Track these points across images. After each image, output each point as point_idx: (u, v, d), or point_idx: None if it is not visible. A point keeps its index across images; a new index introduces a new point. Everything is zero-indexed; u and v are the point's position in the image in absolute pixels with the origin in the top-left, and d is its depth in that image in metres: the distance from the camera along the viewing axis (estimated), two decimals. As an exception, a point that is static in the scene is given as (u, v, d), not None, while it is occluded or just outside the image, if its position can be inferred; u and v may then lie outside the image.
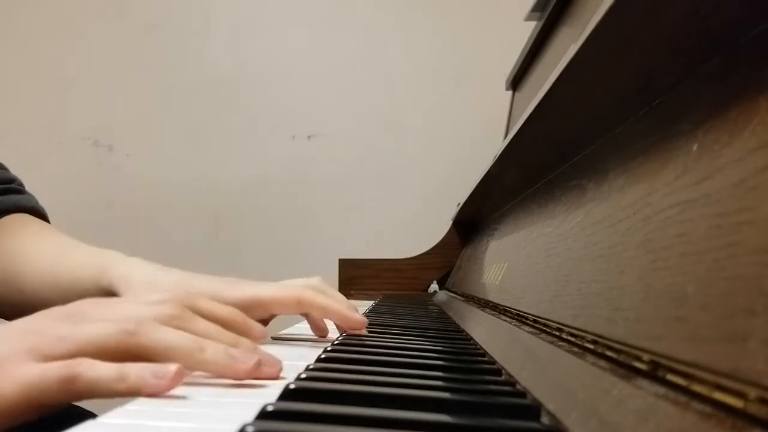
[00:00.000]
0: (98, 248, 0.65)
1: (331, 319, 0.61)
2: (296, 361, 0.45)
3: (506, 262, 0.72)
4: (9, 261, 0.67)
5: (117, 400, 0.34)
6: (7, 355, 0.35)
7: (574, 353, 0.35)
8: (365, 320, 0.59)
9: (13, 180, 0.77)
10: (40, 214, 0.76)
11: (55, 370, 0.34)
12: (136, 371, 0.34)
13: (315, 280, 0.62)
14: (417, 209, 1.70)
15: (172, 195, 1.75)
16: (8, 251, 0.68)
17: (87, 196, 1.75)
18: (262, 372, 0.39)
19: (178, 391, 0.36)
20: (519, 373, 0.41)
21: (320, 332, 0.63)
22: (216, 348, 0.38)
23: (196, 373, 0.40)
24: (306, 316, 0.62)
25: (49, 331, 0.37)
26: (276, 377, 0.40)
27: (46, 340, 0.36)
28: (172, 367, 0.35)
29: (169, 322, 0.39)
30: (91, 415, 0.66)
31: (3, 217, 0.71)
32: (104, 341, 0.36)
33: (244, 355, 0.38)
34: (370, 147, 1.74)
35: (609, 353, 0.31)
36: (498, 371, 0.44)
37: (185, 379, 0.39)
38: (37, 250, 0.67)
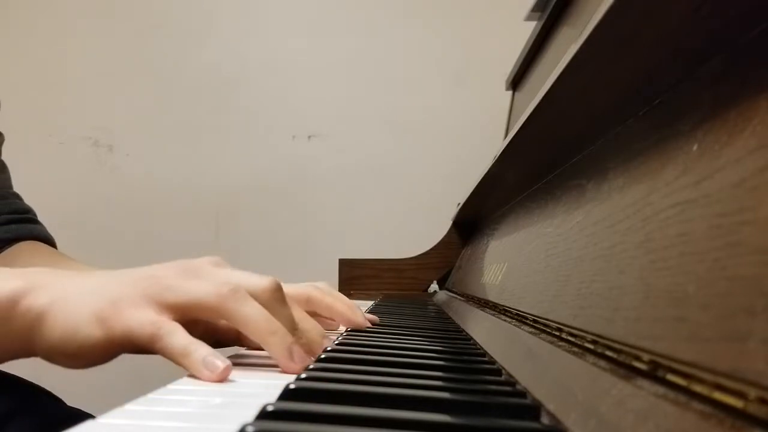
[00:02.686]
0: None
1: (335, 319, 0.65)
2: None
3: (506, 262, 0.72)
4: None
5: (117, 400, 0.34)
6: (123, 297, 0.42)
7: (574, 353, 0.35)
8: (367, 322, 0.66)
9: (28, 210, 0.82)
10: (51, 243, 0.80)
11: (149, 325, 0.41)
12: (197, 355, 0.40)
13: (321, 284, 0.67)
14: (417, 209, 1.70)
15: (172, 195, 1.75)
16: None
17: (87, 196, 1.75)
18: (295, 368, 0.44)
19: (179, 390, 0.36)
20: (519, 373, 0.41)
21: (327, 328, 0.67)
22: (285, 339, 0.43)
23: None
24: (313, 314, 0.65)
25: (162, 281, 0.43)
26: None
27: (157, 288, 0.43)
28: (221, 364, 0.40)
29: (260, 296, 0.44)
30: (90, 417, 0.66)
31: (18, 243, 0.76)
32: (202, 300, 0.43)
33: (301, 357, 0.43)
34: (370, 147, 1.74)
35: (609, 353, 0.31)
36: (498, 371, 0.44)
37: (187, 378, 0.40)
38: None
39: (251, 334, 0.43)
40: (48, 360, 0.44)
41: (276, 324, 0.43)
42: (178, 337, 0.41)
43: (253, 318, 0.43)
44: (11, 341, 0.44)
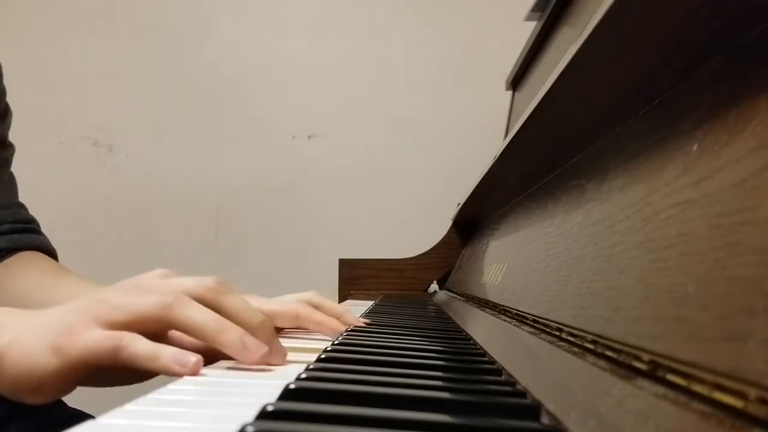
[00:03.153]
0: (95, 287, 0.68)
1: (326, 334, 0.66)
2: (296, 361, 0.45)
3: (506, 262, 0.72)
4: (19, 295, 0.71)
5: (117, 400, 0.34)
6: (74, 323, 0.43)
7: (574, 353, 0.35)
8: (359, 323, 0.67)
9: (31, 221, 0.83)
10: (52, 255, 0.82)
11: (107, 340, 0.42)
12: (165, 356, 0.41)
13: (310, 294, 0.68)
14: (417, 209, 1.70)
15: (172, 195, 1.75)
16: (19, 287, 0.73)
17: (87, 196, 1.75)
18: (270, 360, 0.44)
19: (179, 390, 0.36)
20: (519, 373, 0.41)
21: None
22: (234, 333, 0.43)
23: (199, 372, 0.40)
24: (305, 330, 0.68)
25: (109, 302, 0.44)
26: (281, 364, 0.46)
27: (106, 309, 0.43)
28: (192, 358, 0.41)
29: (204, 296, 0.44)
30: (90, 417, 0.66)
31: (18, 252, 0.77)
32: (147, 313, 0.43)
33: (255, 345, 0.43)
34: (370, 147, 1.74)
35: (609, 353, 0.31)
36: (498, 371, 0.44)
37: (186, 379, 0.40)
38: (48, 289, 0.72)
39: (201, 337, 0.43)
40: (12, 397, 0.45)
41: (223, 321, 0.43)
42: (143, 343, 0.42)
43: (200, 320, 0.43)
44: None
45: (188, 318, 0.43)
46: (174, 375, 0.40)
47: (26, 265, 0.76)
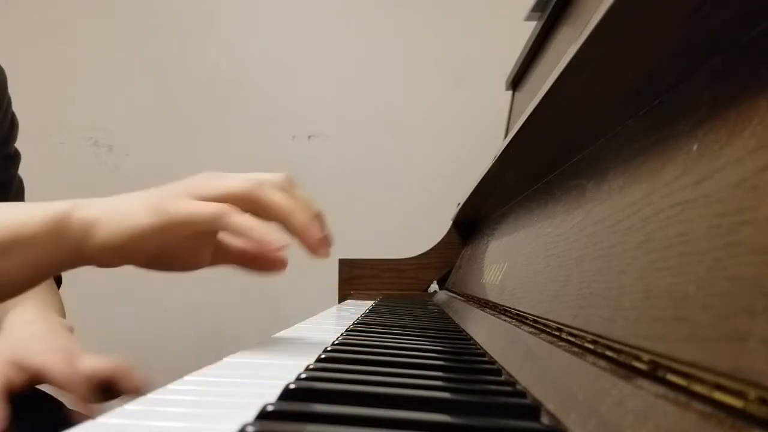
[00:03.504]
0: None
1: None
2: (296, 361, 0.45)
3: (506, 262, 0.72)
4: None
5: (117, 400, 0.34)
6: (169, 194, 0.50)
7: (574, 353, 0.35)
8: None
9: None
10: None
11: (212, 207, 0.49)
12: (259, 229, 0.49)
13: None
14: (417, 209, 1.70)
15: (172, 195, 1.75)
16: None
17: (87, 196, 1.75)
18: (321, 246, 0.53)
19: (179, 390, 0.36)
20: (519, 373, 0.41)
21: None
22: (304, 216, 0.52)
23: (200, 371, 0.40)
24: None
25: (202, 182, 0.51)
26: (326, 256, 0.54)
27: (201, 187, 0.51)
28: (285, 237, 0.50)
29: (279, 185, 0.52)
30: (88, 418, 0.66)
31: None
32: (238, 190, 0.50)
33: (318, 229, 0.52)
34: (370, 147, 1.74)
35: (609, 353, 0.31)
36: (498, 371, 0.44)
37: (186, 378, 0.40)
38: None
39: (277, 216, 0.51)
40: (98, 263, 0.52)
41: (297, 205, 0.51)
42: (243, 217, 0.49)
43: (280, 202, 0.51)
44: (62, 251, 0.51)
45: (272, 198, 0.51)
46: (261, 246, 0.52)
47: None
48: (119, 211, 0.50)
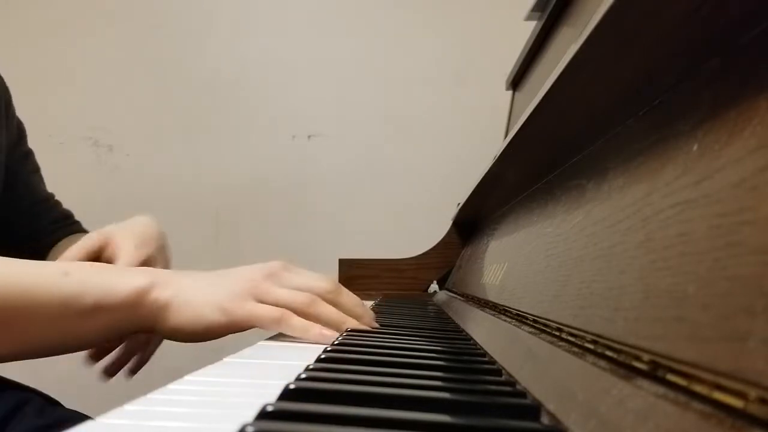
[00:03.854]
0: None
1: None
2: (296, 361, 0.45)
3: (506, 262, 0.72)
4: None
5: (117, 400, 0.34)
6: (236, 293, 0.59)
7: (574, 353, 0.35)
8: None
9: (71, 214, 1.02)
10: None
11: (275, 312, 0.58)
12: (313, 331, 0.58)
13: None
14: (417, 209, 1.70)
15: (172, 195, 1.75)
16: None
17: (87, 196, 1.75)
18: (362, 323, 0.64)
19: (179, 390, 0.36)
20: (519, 373, 0.41)
21: None
22: (351, 323, 0.62)
23: (200, 371, 0.40)
24: None
25: (262, 285, 0.60)
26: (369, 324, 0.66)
27: (261, 291, 0.60)
28: (333, 336, 0.58)
29: (326, 297, 0.62)
30: (88, 418, 0.66)
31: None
32: (294, 305, 0.60)
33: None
34: (370, 147, 1.74)
35: (609, 353, 0.31)
36: (498, 371, 0.44)
37: (187, 378, 0.40)
38: None
39: (325, 323, 0.60)
40: (170, 338, 0.61)
41: (342, 316, 0.62)
42: (298, 320, 0.59)
43: (328, 316, 0.61)
44: (137, 325, 0.59)
45: (321, 314, 0.60)
46: (317, 343, 0.57)
47: (68, 242, 0.92)
48: (189, 300, 0.59)
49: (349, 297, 0.64)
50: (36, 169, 1.00)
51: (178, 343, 0.62)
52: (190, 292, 0.59)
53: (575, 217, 0.48)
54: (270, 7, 1.77)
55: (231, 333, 0.60)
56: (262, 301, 0.59)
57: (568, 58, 0.42)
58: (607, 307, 0.34)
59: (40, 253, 0.94)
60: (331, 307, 0.61)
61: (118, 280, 0.58)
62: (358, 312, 0.64)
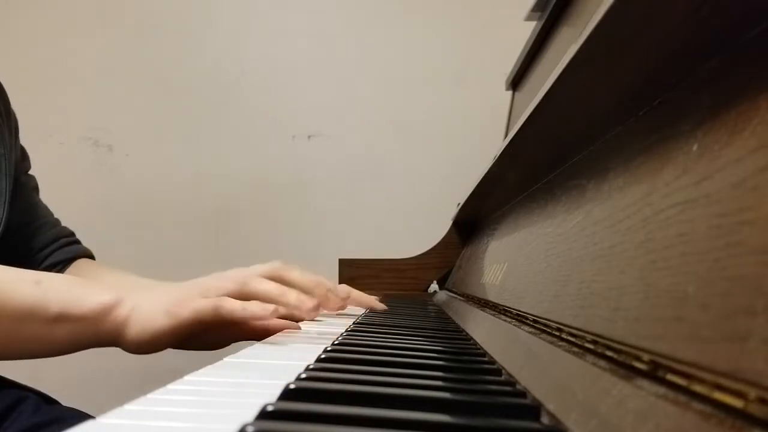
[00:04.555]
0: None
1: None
2: (296, 361, 0.45)
3: (506, 262, 0.72)
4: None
5: (116, 400, 0.34)
6: (184, 295, 0.63)
7: (574, 353, 0.35)
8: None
9: (72, 233, 1.00)
10: (92, 257, 1.01)
11: (209, 302, 0.62)
12: (252, 306, 0.61)
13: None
14: (417, 209, 1.70)
15: (172, 195, 1.75)
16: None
17: (87, 196, 1.75)
18: (326, 307, 0.73)
19: (179, 390, 0.36)
20: (519, 373, 0.41)
21: None
22: (292, 294, 0.66)
23: (200, 371, 0.40)
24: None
25: (206, 284, 0.66)
26: (337, 309, 0.76)
27: (205, 288, 0.65)
28: (270, 306, 0.61)
29: (270, 274, 0.68)
30: (85, 416, 0.66)
31: (75, 261, 0.97)
32: (229, 290, 0.65)
33: (309, 300, 0.67)
34: (370, 147, 1.74)
35: (609, 353, 0.31)
36: (498, 371, 0.44)
37: (187, 378, 0.40)
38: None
39: (270, 300, 0.64)
40: (129, 350, 0.63)
41: (283, 288, 0.66)
42: (232, 302, 0.62)
43: (267, 289, 0.66)
44: (102, 341, 0.62)
45: (258, 289, 0.65)
46: (258, 319, 0.62)
47: (88, 272, 0.94)
48: (143, 312, 0.62)
49: (296, 272, 0.70)
50: (36, 189, 1.00)
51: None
52: (145, 305, 0.62)
53: (575, 217, 0.48)
54: (270, 7, 1.77)
55: (181, 336, 0.62)
56: (207, 296, 0.63)
57: (568, 58, 0.42)
58: (607, 307, 0.34)
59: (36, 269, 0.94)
60: (268, 282, 0.66)
61: (85, 295, 0.61)
62: (308, 286, 0.69)
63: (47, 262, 0.93)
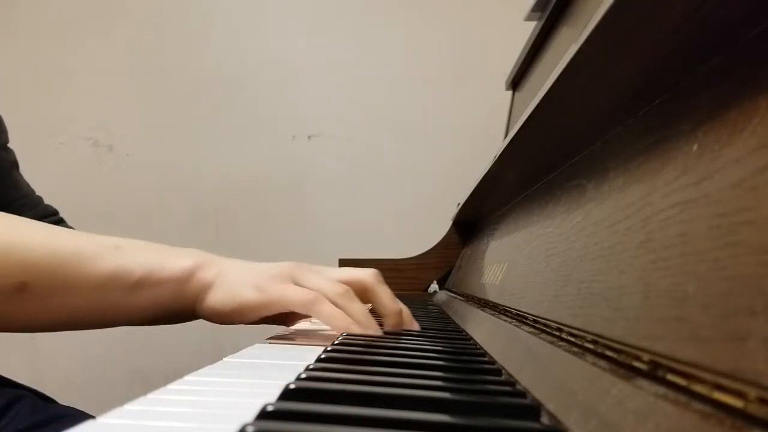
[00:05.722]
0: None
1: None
2: (296, 361, 0.45)
3: (506, 262, 0.72)
4: None
5: (117, 400, 0.34)
6: (273, 275, 0.60)
7: (574, 353, 0.35)
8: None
9: (56, 211, 0.96)
10: None
11: (307, 294, 0.59)
12: (341, 323, 0.58)
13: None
14: (417, 209, 1.70)
15: (172, 195, 1.75)
16: None
17: (87, 196, 1.75)
18: (405, 326, 0.66)
19: (179, 390, 0.36)
20: (519, 373, 0.41)
21: None
22: (373, 328, 0.60)
23: (200, 371, 0.40)
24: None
25: (300, 270, 0.61)
26: (416, 329, 0.67)
27: (297, 274, 0.61)
28: (356, 330, 0.58)
29: (360, 286, 0.63)
30: (82, 414, 0.66)
31: None
32: (327, 293, 0.59)
33: (377, 330, 0.61)
34: (370, 147, 1.74)
35: (609, 353, 0.31)
36: (498, 371, 0.44)
37: (186, 378, 0.40)
38: None
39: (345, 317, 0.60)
40: (208, 318, 0.61)
41: (368, 316, 0.60)
42: (330, 306, 0.59)
43: (355, 311, 0.60)
44: (182, 306, 0.60)
45: (352, 311, 0.60)
46: (337, 330, 0.59)
47: None
48: (229, 279, 0.60)
49: (389, 298, 0.65)
50: (16, 165, 0.95)
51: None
52: (232, 274, 0.61)
53: (575, 217, 0.48)
54: (270, 7, 1.78)
55: (264, 314, 0.60)
56: (298, 285, 0.60)
57: (568, 58, 0.42)
58: (607, 307, 0.34)
59: None
60: (361, 305, 0.61)
61: (167, 259, 0.60)
62: (390, 312, 0.64)
63: None
